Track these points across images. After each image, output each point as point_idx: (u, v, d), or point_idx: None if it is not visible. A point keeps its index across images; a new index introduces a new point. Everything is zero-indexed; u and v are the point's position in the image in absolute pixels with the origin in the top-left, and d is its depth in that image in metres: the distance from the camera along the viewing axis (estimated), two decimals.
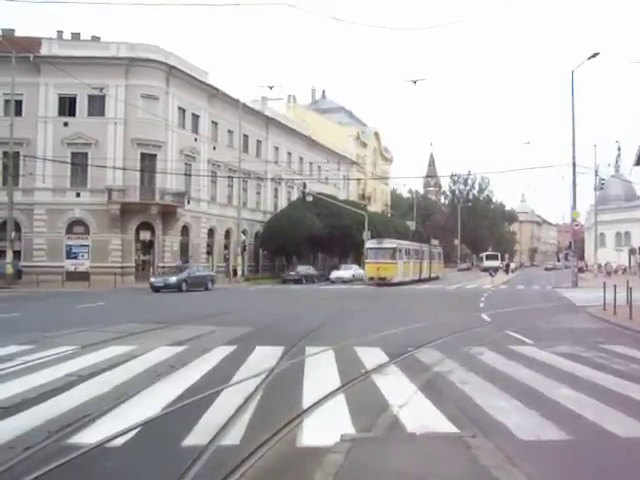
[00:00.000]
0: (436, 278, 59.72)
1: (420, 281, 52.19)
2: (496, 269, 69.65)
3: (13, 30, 46.46)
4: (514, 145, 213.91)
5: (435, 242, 67.12)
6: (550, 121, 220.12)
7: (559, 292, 35.62)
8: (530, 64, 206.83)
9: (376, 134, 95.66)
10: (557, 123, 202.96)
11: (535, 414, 7.23)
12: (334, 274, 53.20)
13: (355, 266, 56.28)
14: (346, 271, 54.29)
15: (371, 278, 45.46)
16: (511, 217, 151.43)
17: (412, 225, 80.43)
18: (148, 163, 45.33)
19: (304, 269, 52.59)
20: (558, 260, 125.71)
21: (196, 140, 50.11)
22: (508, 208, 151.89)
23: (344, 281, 50.55)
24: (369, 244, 47.40)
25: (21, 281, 40.03)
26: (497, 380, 9.22)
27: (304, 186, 54.52)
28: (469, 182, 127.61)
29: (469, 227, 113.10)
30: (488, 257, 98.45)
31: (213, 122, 52.85)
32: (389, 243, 47.04)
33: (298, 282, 48.64)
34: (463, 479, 5.37)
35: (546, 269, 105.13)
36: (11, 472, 5.28)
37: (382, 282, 44.12)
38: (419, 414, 7.22)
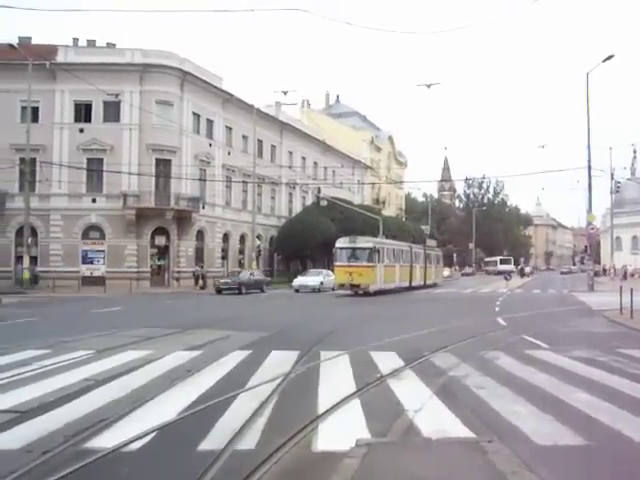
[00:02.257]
0: (433, 285, 52.32)
1: (411, 289, 44.27)
2: (510, 273, 68.20)
3: (30, 38, 46.91)
4: (529, 148, 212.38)
5: (432, 243, 59.54)
6: (565, 124, 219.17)
7: (575, 296, 35.42)
8: (544, 67, 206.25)
9: (390, 138, 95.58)
10: (572, 126, 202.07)
11: (551, 419, 7.20)
12: (297, 281, 43.97)
13: (325, 271, 46.46)
14: (313, 277, 44.60)
15: (341, 285, 37.42)
16: (526, 221, 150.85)
17: (427, 229, 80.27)
18: (163, 168, 45.50)
19: (245, 275, 43.03)
20: (574, 264, 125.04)
21: (210, 145, 50.27)
22: (523, 212, 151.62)
23: (313, 289, 42.29)
24: (339, 243, 38.15)
25: (37, 286, 40.29)
26: (513, 385, 9.18)
27: (318, 191, 54.53)
28: (484, 186, 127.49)
29: (484, 231, 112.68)
30: (502, 261, 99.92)
31: (227, 127, 53.00)
32: (365, 242, 38.05)
33: (239, 291, 39.18)
34: None
35: (562, 273, 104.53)
36: (29, 476, 5.33)
37: (356, 290, 36.81)
38: (435, 419, 7.20)
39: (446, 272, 79.97)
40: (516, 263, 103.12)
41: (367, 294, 36.29)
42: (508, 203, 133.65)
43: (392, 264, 40.94)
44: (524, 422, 7.02)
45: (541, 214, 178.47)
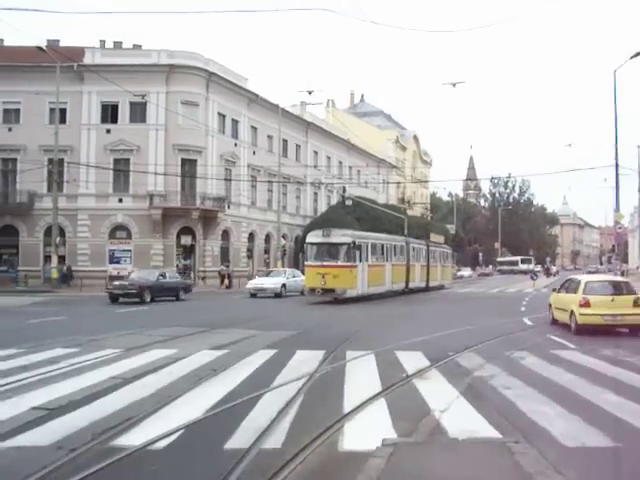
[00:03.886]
0: (439, 287, 45.55)
1: (408, 292, 37.96)
2: (536, 272, 67.11)
3: (58, 41, 47.33)
4: (555, 147, 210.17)
5: (439, 238, 51.73)
6: (592, 122, 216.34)
7: None
8: (571, 65, 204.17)
9: (415, 137, 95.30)
10: (599, 124, 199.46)
11: (579, 420, 7.15)
12: (253, 283, 36.46)
13: (291, 270, 39.59)
14: (274, 279, 36.12)
15: (312, 290, 29.99)
16: (552, 220, 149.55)
17: (452, 229, 79.79)
18: (189, 168, 45.74)
19: (151, 276, 31.23)
20: (601, 263, 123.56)
21: (236, 145, 50.41)
22: (549, 211, 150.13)
23: (274, 294, 34.01)
24: (310, 237, 31.46)
25: (67, 284, 40.76)
26: (540, 385, 9.13)
27: (344, 190, 54.40)
28: (509, 185, 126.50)
29: (510, 230, 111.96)
30: (523, 261, 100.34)
31: (253, 127, 53.11)
32: (341, 235, 30.49)
33: (140, 299, 28.88)
34: None
35: (589, 272, 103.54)
36: (58, 472, 5.41)
37: (335, 297, 29.68)
38: (461, 419, 7.18)
39: (466, 272, 78.81)
40: (542, 263, 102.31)
41: (342, 300, 29.30)
42: (534, 202, 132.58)
43: (380, 263, 33.72)
44: (551, 423, 6.99)
45: (567, 213, 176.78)
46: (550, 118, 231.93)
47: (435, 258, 45.53)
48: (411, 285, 38.79)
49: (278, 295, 34.02)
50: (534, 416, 7.33)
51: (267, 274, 39.21)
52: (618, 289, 17.44)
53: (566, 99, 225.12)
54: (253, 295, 34.19)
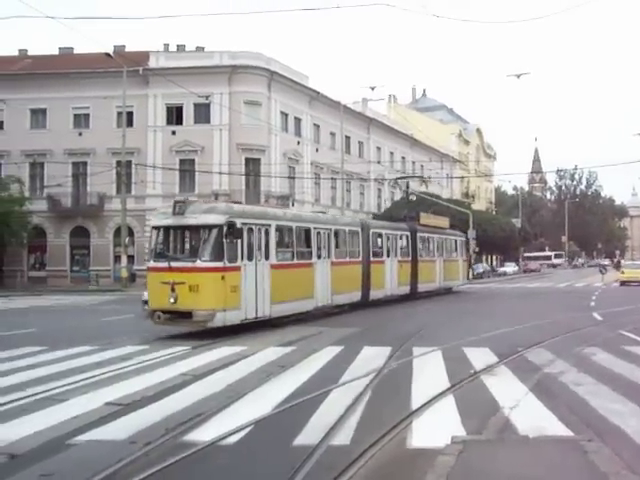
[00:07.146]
0: (444, 291, 32.61)
1: (367, 305, 23.31)
2: (605, 266, 64.66)
3: (124, 46, 48.48)
4: (623, 136, 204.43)
5: (440, 222, 35.27)
6: None
7: None
8: None
9: (478, 131, 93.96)
10: None
11: None
12: None
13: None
14: None
15: (153, 313, 14.88)
16: (621, 212, 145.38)
17: (518, 222, 78.34)
18: (252, 167, 46.23)
19: None
20: None
21: (299, 143, 50.67)
22: (618, 203, 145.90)
23: None
24: (155, 217, 17.25)
25: (135, 284, 41.62)
26: (612, 382, 8.91)
27: (407, 185, 54.07)
28: (576, 177, 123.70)
29: (577, 223, 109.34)
30: (556, 256, 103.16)
31: (315, 125, 53.29)
32: (204, 212, 15.45)
33: None
34: None
35: None
36: (134, 465, 5.55)
37: (185, 325, 15.18)
38: (531, 416, 7.07)
39: (510, 268, 72.42)
40: (611, 256, 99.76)
41: (228, 329, 15.15)
42: (602, 194, 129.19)
43: (299, 262, 18.82)
44: (625, 421, 6.82)
45: (637, 204, 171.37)
46: (617, 107, 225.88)
47: (431, 250, 31.40)
48: (375, 294, 24.33)
49: None
50: (606, 414, 7.16)
51: None
52: (637, 267, 44.29)
53: (634, 87, 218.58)
54: None
